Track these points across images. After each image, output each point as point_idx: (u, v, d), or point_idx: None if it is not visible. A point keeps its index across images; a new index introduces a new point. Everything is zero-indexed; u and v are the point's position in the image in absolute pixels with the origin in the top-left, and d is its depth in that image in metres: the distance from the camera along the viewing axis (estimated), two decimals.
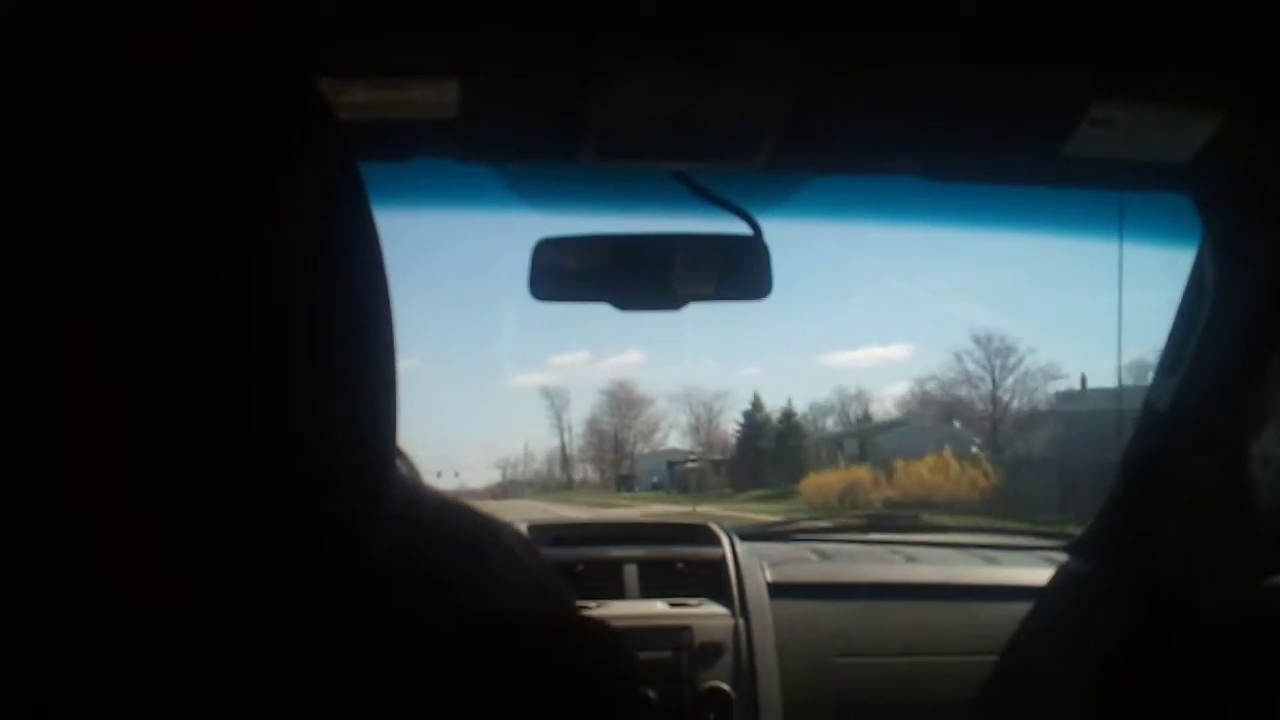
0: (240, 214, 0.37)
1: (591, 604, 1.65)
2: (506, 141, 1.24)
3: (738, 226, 1.35)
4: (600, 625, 0.55)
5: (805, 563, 1.83)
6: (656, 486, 38.73)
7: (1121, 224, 1.48)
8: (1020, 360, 33.27)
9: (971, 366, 33.92)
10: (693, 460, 40.48)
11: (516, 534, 0.60)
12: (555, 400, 50.92)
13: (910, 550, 1.93)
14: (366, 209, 0.43)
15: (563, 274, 1.36)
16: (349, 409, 0.41)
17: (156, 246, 0.36)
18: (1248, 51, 1.06)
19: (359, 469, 0.41)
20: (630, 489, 40.41)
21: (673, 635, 1.63)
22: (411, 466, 0.57)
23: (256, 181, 0.38)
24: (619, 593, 1.70)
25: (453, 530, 0.55)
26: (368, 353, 0.42)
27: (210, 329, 0.36)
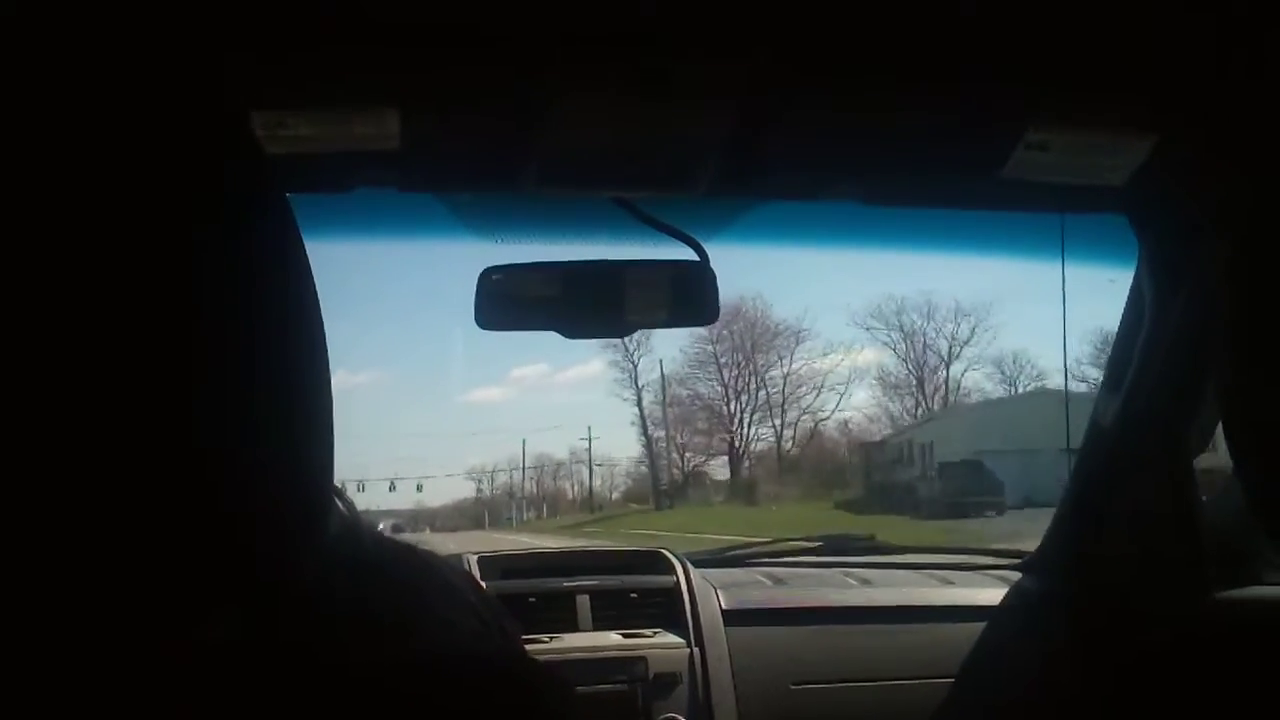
0: (164, 242, 0.37)
1: (544, 637, 1.63)
2: (449, 172, 1.24)
3: (685, 252, 1.35)
4: (541, 664, 0.55)
5: (759, 588, 1.83)
6: None
7: (1063, 244, 1.50)
8: None
9: None
10: None
11: (459, 570, 0.60)
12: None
13: (864, 573, 1.94)
14: (296, 239, 0.43)
15: (509, 302, 1.35)
16: (281, 432, 0.40)
17: (80, 269, 0.36)
18: (1176, 77, 1.09)
19: (292, 492, 0.41)
20: None
21: (627, 666, 1.62)
22: (352, 507, 0.57)
23: (181, 210, 0.38)
24: (572, 624, 1.68)
25: (393, 569, 0.54)
26: (299, 379, 0.42)
27: (137, 356, 0.36)
